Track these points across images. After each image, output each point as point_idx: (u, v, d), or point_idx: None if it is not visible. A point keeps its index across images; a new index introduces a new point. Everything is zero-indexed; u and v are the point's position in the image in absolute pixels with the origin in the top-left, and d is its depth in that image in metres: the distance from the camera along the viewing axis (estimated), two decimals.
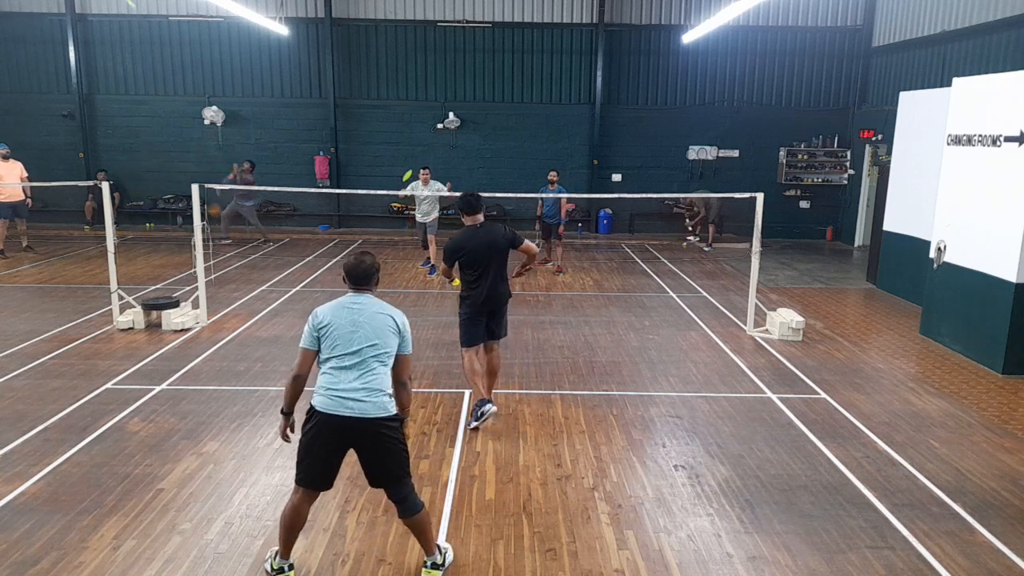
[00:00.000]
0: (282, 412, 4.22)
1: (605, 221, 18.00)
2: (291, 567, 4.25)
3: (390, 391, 4.13)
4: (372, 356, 4.06)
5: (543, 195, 12.78)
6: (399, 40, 17.37)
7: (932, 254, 9.43)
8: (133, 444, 5.97)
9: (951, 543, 4.75)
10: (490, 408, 6.37)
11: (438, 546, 4.37)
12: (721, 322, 10.08)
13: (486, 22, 17.24)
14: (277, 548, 4.27)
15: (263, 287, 11.70)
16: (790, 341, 9.16)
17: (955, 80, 9.22)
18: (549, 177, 13.07)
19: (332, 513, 5.00)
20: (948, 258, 9.14)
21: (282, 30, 16.31)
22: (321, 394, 4.03)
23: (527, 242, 6.44)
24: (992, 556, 4.62)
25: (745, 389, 7.53)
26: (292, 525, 4.16)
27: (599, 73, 17.28)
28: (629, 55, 17.49)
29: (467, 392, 7.17)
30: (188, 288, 10.71)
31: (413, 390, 7.28)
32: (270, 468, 5.63)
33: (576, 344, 8.96)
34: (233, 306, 10.44)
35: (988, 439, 6.40)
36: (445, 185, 12.83)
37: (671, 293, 11.83)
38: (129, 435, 6.14)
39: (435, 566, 4.30)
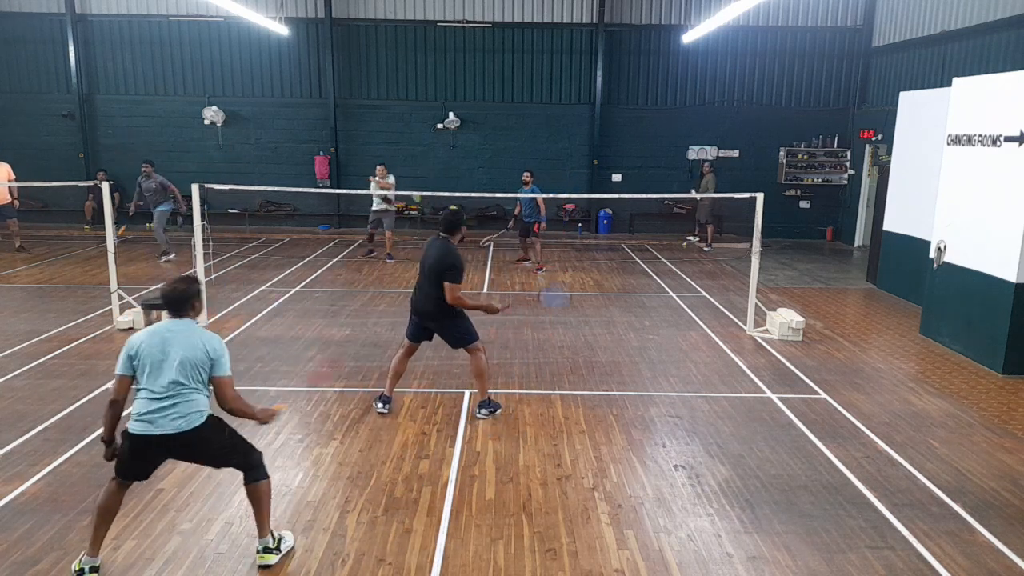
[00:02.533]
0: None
1: (605, 221, 18.00)
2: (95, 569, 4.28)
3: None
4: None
5: (520, 195, 13.13)
6: (399, 40, 17.37)
7: (932, 254, 9.43)
8: None
9: (951, 543, 4.75)
10: (387, 407, 6.73)
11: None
12: (721, 322, 10.08)
13: (486, 22, 17.24)
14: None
15: (263, 287, 11.70)
16: (790, 341, 9.16)
17: (955, 80, 9.22)
18: (523, 179, 13.37)
19: (332, 513, 5.00)
20: (948, 258, 9.13)
21: (282, 30, 16.31)
22: None
23: (451, 286, 6.18)
24: (992, 556, 4.62)
25: (745, 389, 7.52)
26: None
27: (599, 73, 17.29)
28: (629, 55, 17.49)
29: (467, 392, 7.18)
30: None
31: (413, 390, 7.31)
32: (270, 468, 5.55)
33: (576, 344, 8.96)
34: (233, 306, 10.43)
35: (988, 439, 6.39)
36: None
37: (671, 293, 11.83)
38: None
39: (267, 550, 4.42)
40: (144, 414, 4.10)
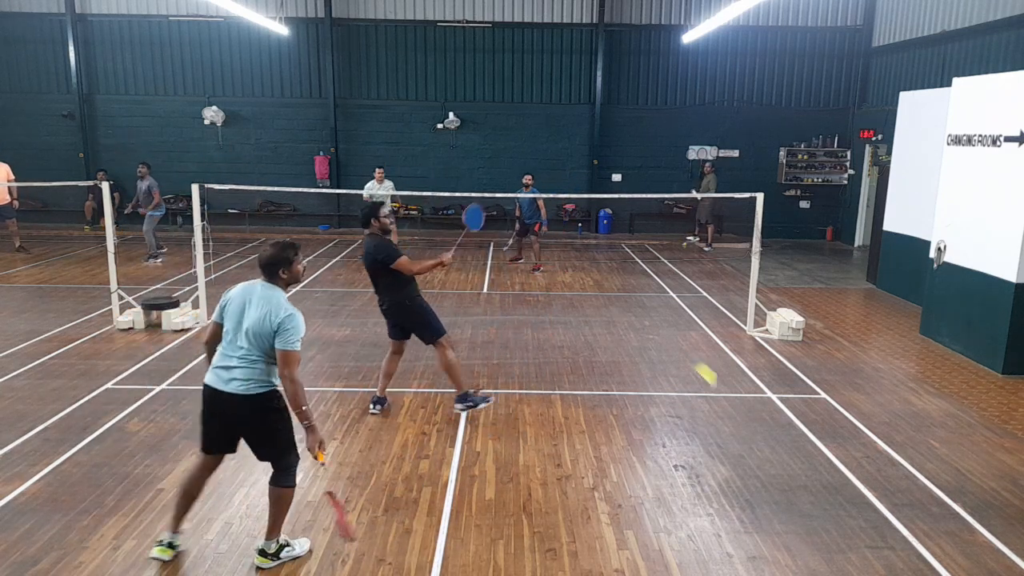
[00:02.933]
0: None
1: (605, 221, 18.00)
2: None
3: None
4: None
5: (520, 195, 13.10)
6: (399, 40, 17.37)
7: (932, 254, 9.43)
8: (133, 444, 5.97)
9: (951, 543, 4.75)
10: (378, 408, 6.71)
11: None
12: (721, 322, 10.08)
13: (486, 22, 17.24)
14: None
15: None
16: (790, 341, 9.16)
17: (955, 80, 9.22)
18: (524, 181, 13.35)
19: (332, 513, 4.99)
20: (948, 258, 9.13)
21: (282, 30, 16.31)
22: None
23: (397, 264, 6.17)
24: (992, 556, 4.62)
25: (745, 389, 7.52)
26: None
27: (599, 73, 17.29)
28: (629, 55, 17.49)
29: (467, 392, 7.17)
30: (188, 288, 10.71)
31: (413, 390, 7.31)
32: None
33: (576, 344, 8.96)
34: None
35: (988, 439, 6.40)
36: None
37: (671, 293, 11.83)
38: (129, 435, 6.14)
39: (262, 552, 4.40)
40: (215, 367, 4.25)
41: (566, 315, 10.32)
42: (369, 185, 13.76)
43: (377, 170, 13.82)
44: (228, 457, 5.72)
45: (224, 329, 4.29)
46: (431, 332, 6.51)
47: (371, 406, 6.74)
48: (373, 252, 6.27)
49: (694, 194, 14.84)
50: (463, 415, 6.66)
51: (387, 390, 6.84)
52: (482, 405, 6.69)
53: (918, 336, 9.61)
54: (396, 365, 6.82)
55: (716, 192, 15.38)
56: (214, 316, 4.39)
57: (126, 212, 14.85)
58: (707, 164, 16.44)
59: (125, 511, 4.94)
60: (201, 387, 4.32)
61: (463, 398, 6.66)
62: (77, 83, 17.22)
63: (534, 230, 13.39)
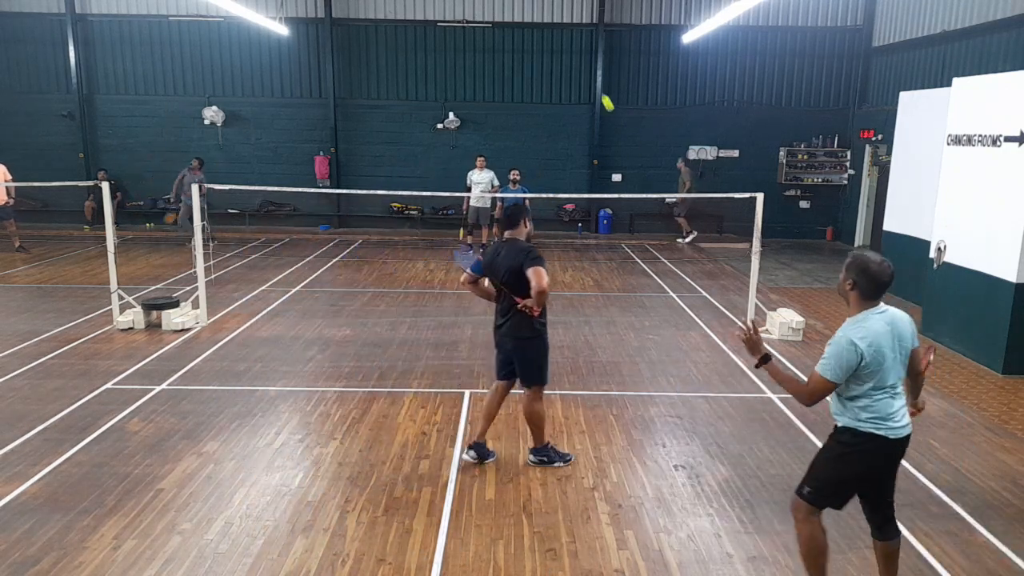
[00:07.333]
0: None
1: (605, 221, 17.99)
2: None
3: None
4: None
5: (506, 194, 12.49)
6: (399, 40, 17.37)
7: (932, 254, 9.43)
8: (133, 444, 5.97)
9: (951, 543, 4.75)
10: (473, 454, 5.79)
11: None
12: (721, 322, 10.07)
13: (486, 22, 17.24)
14: None
15: (263, 287, 11.70)
16: (790, 341, 9.16)
17: (955, 80, 9.22)
18: (512, 176, 12.85)
19: (332, 513, 4.99)
20: (948, 258, 9.13)
21: (282, 30, 16.31)
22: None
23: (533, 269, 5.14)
24: (992, 556, 4.62)
25: (745, 389, 7.52)
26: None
27: (599, 73, 17.29)
28: (629, 55, 17.49)
29: (467, 392, 7.17)
30: (188, 288, 10.70)
31: (413, 390, 7.30)
32: (270, 468, 5.62)
33: (576, 344, 8.96)
34: (233, 306, 10.43)
35: (988, 439, 6.40)
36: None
37: (671, 293, 11.83)
38: (129, 435, 6.14)
39: None
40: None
41: (566, 315, 10.32)
42: (470, 173, 14.17)
43: (479, 159, 14.39)
44: (228, 457, 5.78)
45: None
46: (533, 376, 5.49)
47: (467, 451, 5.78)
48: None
49: (700, 195, 14.90)
50: (463, 415, 6.66)
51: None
52: (559, 463, 5.71)
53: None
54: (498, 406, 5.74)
55: (694, 188, 16.18)
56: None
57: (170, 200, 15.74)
58: (679, 160, 16.77)
59: (125, 511, 4.94)
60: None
61: (540, 451, 5.73)
62: (77, 83, 17.22)
63: None
